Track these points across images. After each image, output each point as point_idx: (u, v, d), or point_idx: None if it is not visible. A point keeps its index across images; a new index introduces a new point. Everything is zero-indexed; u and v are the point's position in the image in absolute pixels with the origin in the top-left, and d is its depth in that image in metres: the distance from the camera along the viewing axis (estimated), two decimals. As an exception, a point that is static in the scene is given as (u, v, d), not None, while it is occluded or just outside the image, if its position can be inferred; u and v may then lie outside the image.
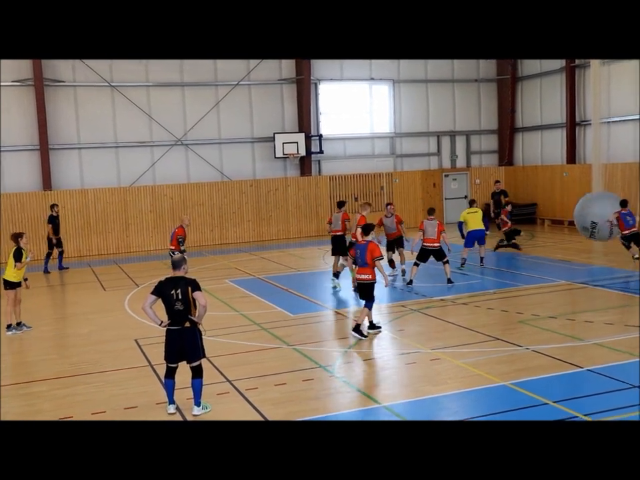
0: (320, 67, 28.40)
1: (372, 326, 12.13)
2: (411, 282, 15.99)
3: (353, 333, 11.89)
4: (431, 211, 16.70)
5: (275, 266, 20.49)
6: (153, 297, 8.42)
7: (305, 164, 28.11)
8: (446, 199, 30.40)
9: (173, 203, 26.16)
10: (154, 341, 11.45)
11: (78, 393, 9.60)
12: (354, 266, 12.62)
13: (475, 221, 18.25)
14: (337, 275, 16.20)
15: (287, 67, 28.09)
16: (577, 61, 26.83)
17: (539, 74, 29.33)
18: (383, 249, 15.91)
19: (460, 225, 18.73)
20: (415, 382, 9.52)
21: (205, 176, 27.07)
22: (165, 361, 8.60)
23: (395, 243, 17.55)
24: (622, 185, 23.65)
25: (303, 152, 27.44)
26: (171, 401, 8.60)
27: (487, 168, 31.17)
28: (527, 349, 10.65)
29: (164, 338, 8.57)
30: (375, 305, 12.28)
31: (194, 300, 8.31)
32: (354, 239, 15.30)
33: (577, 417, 7.80)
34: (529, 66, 29.87)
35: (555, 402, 8.28)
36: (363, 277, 12.09)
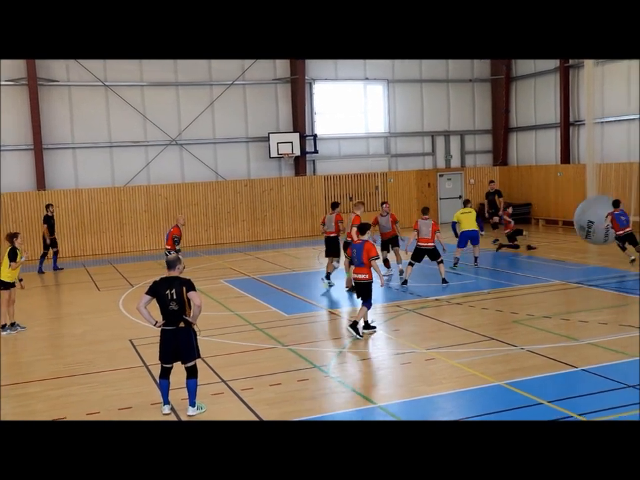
0: (314, 66, 28.40)
1: (367, 326, 12.13)
2: (405, 282, 16.00)
3: (349, 328, 11.90)
4: (425, 211, 16.71)
5: (269, 266, 20.48)
6: (148, 297, 8.41)
7: (299, 164, 28.11)
8: (440, 198, 30.44)
9: (167, 202, 26.14)
10: (148, 341, 11.43)
11: (72, 394, 9.58)
12: (350, 266, 12.62)
13: (468, 221, 18.27)
14: (328, 275, 16.16)
15: (281, 66, 28.08)
16: (571, 61, 26.90)
17: (533, 74, 29.39)
18: (378, 249, 15.90)
19: (453, 224, 18.76)
20: (410, 382, 9.53)
21: (199, 176, 27.04)
22: (159, 361, 8.59)
23: (390, 243, 17.56)
24: (616, 184, 23.70)
25: (297, 152, 27.43)
26: (166, 402, 8.59)
27: (482, 168, 31.22)
28: (522, 348, 10.66)
29: (158, 338, 8.55)
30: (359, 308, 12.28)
31: (189, 300, 8.30)
32: (349, 239, 15.31)
33: (571, 416, 7.81)
34: (523, 66, 29.92)
35: (549, 402, 8.30)
36: (360, 276, 12.09)
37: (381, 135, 29.88)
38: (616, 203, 18.29)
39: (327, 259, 16.56)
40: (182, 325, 8.33)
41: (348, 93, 29.34)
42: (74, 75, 25.29)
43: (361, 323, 12.11)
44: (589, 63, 24.08)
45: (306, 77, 28.00)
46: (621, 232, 17.86)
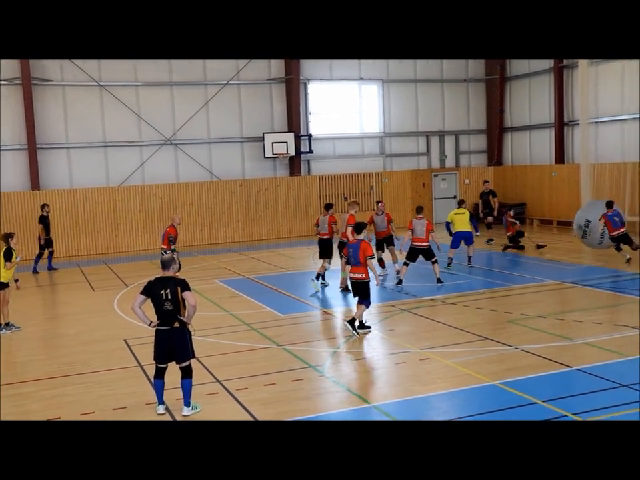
0: (309, 66, 28.40)
1: (362, 326, 12.14)
2: (400, 282, 16.01)
3: (346, 323, 11.93)
4: (419, 210, 16.71)
5: (264, 266, 20.48)
6: (142, 296, 8.40)
7: (294, 164, 28.10)
8: (435, 198, 30.49)
9: (162, 202, 26.11)
10: (143, 341, 11.42)
11: (66, 394, 9.56)
12: (347, 266, 12.61)
13: (461, 222, 18.30)
14: (318, 277, 16.09)
15: (276, 66, 28.07)
16: (565, 62, 26.96)
17: (527, 74, 29.43)
18: (373, 248, 15.89)
19: (447, 225, 18.79)
20: (405, 381, 9.53)
21: (194, 176, 27.02)
22: (154, 362, 8.58)
23: (385, 242, 17.58)
24: (610, 184, 23.78)
25: (292, 152, 27.43)
26: (161, 402, 8.58)
27: (476, 168, 31.26)
28: (516, 348, 10.68)
29: (153, 338, 8.55)
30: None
31: (183, 300, 8.29)
32: (344, 239, 15.31)
33: (565, 416, 7.82)
34: (518, 66, 29.97)
35: (544, 401, 8.31)
36: (356, 275, 12.10)
37: (376, 134, 29.90)
38: (609, 204, 18.31)
39: (321, 260, 16.52)
40: (176, 325, 8.32)
41: (343, 93, 29.35)
42: (68, 74, 25.24)
43: (356, 322, 12.12)
44: (583, 63, 24.16)
45: (301, 77, 27.99)
46: (615, 233, 17.91)
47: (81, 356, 11.50)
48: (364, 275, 12.01)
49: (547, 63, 27.90)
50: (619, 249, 18.03)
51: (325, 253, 16.19)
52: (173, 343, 8.36)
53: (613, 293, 14.64)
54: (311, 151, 28.07)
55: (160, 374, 8.53)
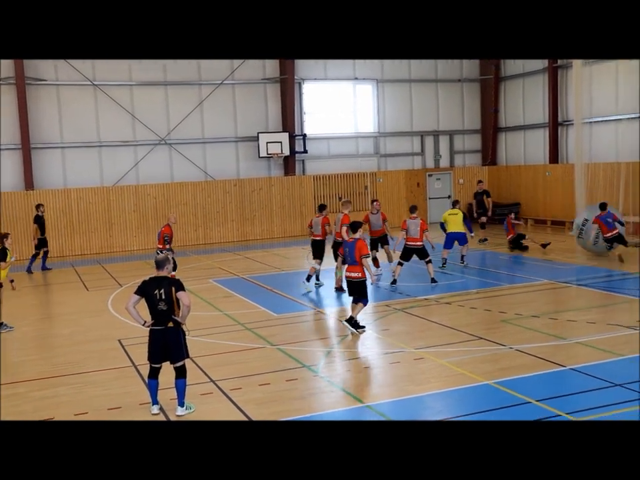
0: (304, 66, 28.39)
1: (357, 325, 12.14)
2: (394, 281, 16.02)
3: (345, 322, 11.94)
4: (412, 209, 16.69)
5: (258, 266, 20.47)
6: (137, 296, 8.39)
7: (288, 163, 28.10)
8: (430, 198, 30.52)
9: (156, 202, 26.07)
10: (137, 341, 11.40)
11: (60, 394, 9.54)
12: (343, 265, 12.62)
13: (454, 222, 18.31)
14: (308, 278, 16.06)
15: (270, 66, 28.05)
16: (559, 62, 27.01)
17: (521, 74, 29.48)
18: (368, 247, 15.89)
19: (442, 225, 18.80)
20: (399, 381, 9.54)
21: (188, 175, 26.98)
22: (148, 362, 8.57)
23: (380, 241, 17.59)
24: (604, 184, 23.84)
25: (286, 151, 27.42)
26: (155, 402, 8.57)
27: (471, 168, 31.30)
28: (510, 348, 10.70)
29: (147, 338, 8.53)
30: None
31: (177, 300, 8.29)
32: (339, 239, 15.31)
33: (559, 415, 7.84)
34: (512, 66, 30.03)
35: (537, 400, 8.33)
36: (353, 274, 12.11)
37: (370, 134, 29.90)
38: (602, 206, 18.45)
39: (313, 261, 16.46)
40: (171, 324, 8.31)
41: (337, 93, 29.35)
42: (62, 74, 25.19)
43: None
44: (577, 63, 24.20)
45: (295, 77, 27.99)
46: (609, 234, 18.03)
47: (74, 356, 11.48)
48: (360, 274, 12.01)
49: (541, 63, 27.95)
50: (610, 249, 18.18)
51: (318, 254, 16.15)
52: (167, 343, 8.35)
53: (606, 292, 14.67)
54: (305, 151, 28.07)
55: (154, 374, 8.52)
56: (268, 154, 27.24)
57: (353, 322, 12.00)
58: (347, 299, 13.15)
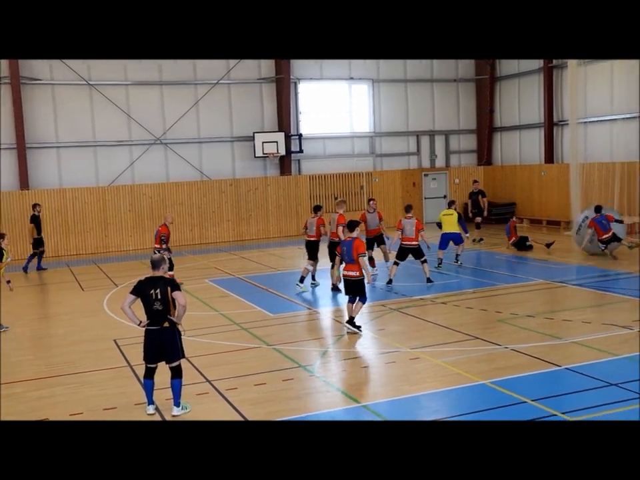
0: (299, 66, 28.38)
1: (347, 322, 12.14)
2: (390, 281, 16.02)
3: (347, 325, 11.94)
4: (408, 209, 16.69)
5: (254, 265, 20.46)
6: (132, 296, 8.38)
7: (284, 163, 28.09)
8: (425, 198, 30.53)
9: (152, 202, 26.04)
10: (133, 341, 11.39)
11: (55, 395, 9.52)
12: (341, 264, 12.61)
13: (449, 223, 18.35)
14: (302, 279, 16.00)
15: (266, 66, 28.04)
16: (555, 62, 27.05)
17: (517, 74, 29.52)
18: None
19: (439, 225, 18.83)
20: (395, 381, 9.54)
21: (184, 175, 26.96)
22: (144, 362, 8.56)
23: (376, 240, 17.59)
24: (599, 184, 23.90)
25: (282, 151, 27.41)
26: (150, 402, 8.56)
27: (466, 167, 31.33)
28: (506, 347, 10.71)
29: (143, 338, 8.52)
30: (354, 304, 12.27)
31: (173, 300, 8.27)
32: (335, 239, 15.30)
33: (555, 415, 7.85)
34: (507, 66, 30.06)
35: (533, 400, 8.34)
36: (350, 273, 12.10)
37: (366, 134, 29.91)
38: (597, 209, 18.76)
39: (306, 262, 16.41)
40: (166, 324, 8.30)
41: (333, 93, 29.36)
42: (57, 73, 25.14)
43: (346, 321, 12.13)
44: (572, 63, 24.21)
45: (291, 77, 27.98)
46: (605, 236, 18.25)
47: (70, 356, 11.46)
48: (358, 273, 12.02)
49: (537, 63, 27.99)
50: (603, 250, 18.36)
51: (311, 255, 16.10)
52: (163, 343, 8.34)
53: (601, 292, 14.69)
54: (301, 151, 28.06)
55: (150, 374, 8.51)
56: (264, 154, 27.23)
57: (353, 321, 12.01)
58: (343, 299, 13.15)
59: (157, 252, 16.13)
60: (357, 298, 12.16)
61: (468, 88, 31.44)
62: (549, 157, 27.77)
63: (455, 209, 18.94)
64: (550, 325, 12.08)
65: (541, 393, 8.63)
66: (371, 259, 17.40)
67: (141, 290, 8.33)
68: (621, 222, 19.01)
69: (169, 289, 8.25)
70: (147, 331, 8.41)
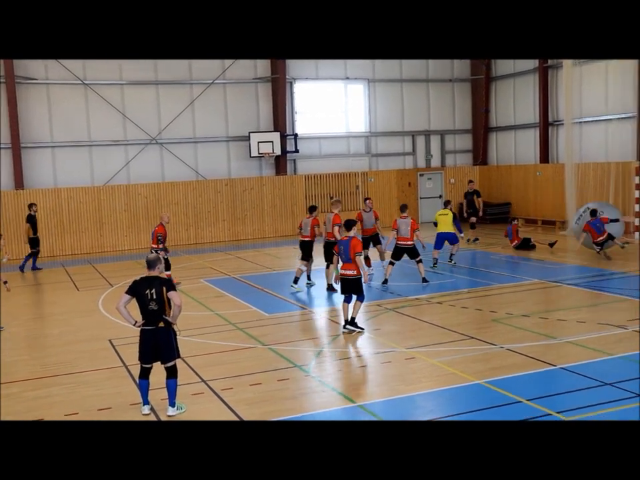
0: (295, 66, 28.38)
1: (354, 323, 12.14)
2: (386, 281, 16.03)
3: (349, 327, 11.95)
4: (403, 208, 16.68)
5: (250, 265, 20.46)
6: (128, 296, 8.37)
7: (280, 163, 28.08)
8: (421, 198, 30.57)
9: (147, 202, 26.01)
10: (128, 341, 11.38)
11: (50, 395, 9.51)
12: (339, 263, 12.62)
13: (444, 223, 18.40)
14: (296, 280, 15.97)
15: (262, 65, 28.03)
16: (550, 62, 27.09)
17: (512, 74, 29.56)
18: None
19: (435, 224, 18.89)
20: (390, 381, 9.55)
21: (179, 175, 26.94)
22: (139, 362, 8.55)
23: (372, 240, 17.59)
24: (594, 184, 23.95)
25: (278, 151, 27.41)
26: (146, 402, 8.55)
27: (462, 167, 31.36)
28: (501, 347, 10.73)
29: (138, 338, 8.52)
30: (351, 304, 12.27)
31: (169, 300, 8.27)
32: (330, 239, 15.30)
33: (550, 414, 7.87)
34: (503, 66, 30.10)
35: (528, 400, 8.35)
36: (348, 272, 12.11)
37: (362, 134, 29.93)
38: (593, 212, 18.99)
39: (299, 263, 16.38)
40: (162, 324, 8.30)
41: (329, 93, 29.36)
42: (53, 73, 25.09)
43: (343, 321, 12.12)
44: (567, 64, 24.30)
45: (287, 76, 27.98)
46: (600, 239, 18.44)
47: (66, 356, 11.44)
48: (355, 272, 12.03)
49: (532, 63, 28.04)
50: (598, 252, 18.49)
51: (306, 255, 16.07)
52: (158, 343, 8.33)
53: (596, 291, 14.73)
54: (296, 151, 28.06)
55: (145, 374, 8.50)
56: (259, 153, 27.23)
57: (354, 322, 12.01)
58: (338, 299, 13.14)
59: (153, 252, 16.10)
60: (355, 297, 12.17)
61: (463, 88, 31.48)
62: (544, 156, 27.82)
63: (451, 209, 18.98)
64: (545, 325, 12.10)
65: (535, 393, 8.64)
66: (367, 259, 17.41)
67: (136, 290, 8.32)
68: (616, 221, 19.18)
69: (164, 288, 8.25)
70: (142, 331, 8.41)
